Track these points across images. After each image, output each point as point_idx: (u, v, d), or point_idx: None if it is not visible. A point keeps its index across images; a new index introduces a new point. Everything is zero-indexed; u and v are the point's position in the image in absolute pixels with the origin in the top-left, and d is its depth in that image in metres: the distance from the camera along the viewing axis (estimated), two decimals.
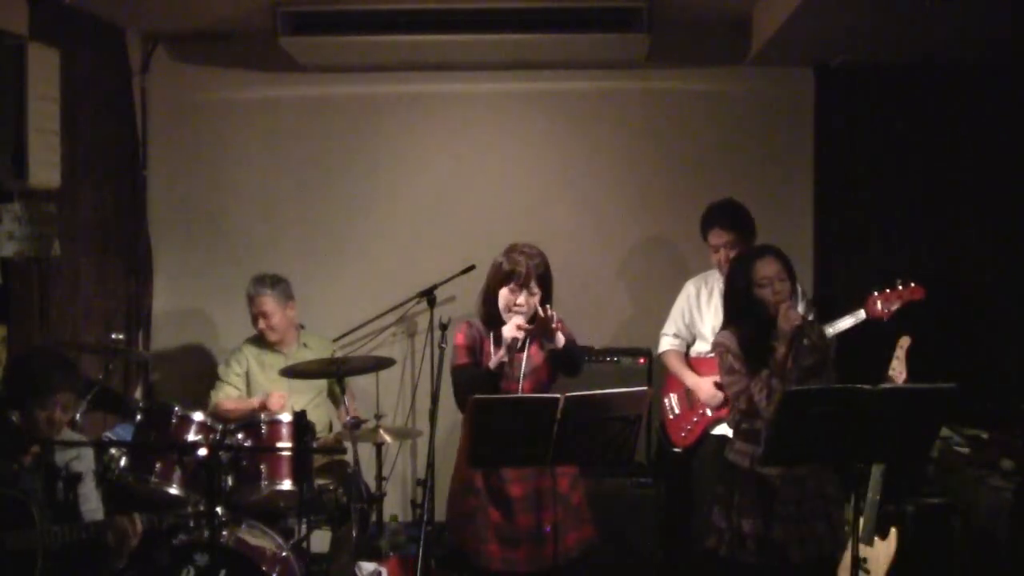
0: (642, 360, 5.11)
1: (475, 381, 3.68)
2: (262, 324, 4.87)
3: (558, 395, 3.29)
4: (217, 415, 4.58)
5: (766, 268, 3.69)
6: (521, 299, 3.72)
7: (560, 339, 3.71)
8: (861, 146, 5.41)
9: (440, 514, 5.20)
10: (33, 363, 3.62)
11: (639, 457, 4.59)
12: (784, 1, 4.44)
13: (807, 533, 3.64)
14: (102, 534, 3.42)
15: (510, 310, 3.74)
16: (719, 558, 3.73)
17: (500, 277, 3.76)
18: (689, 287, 4.79)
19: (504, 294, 3.75)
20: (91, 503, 3.67)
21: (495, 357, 3.71)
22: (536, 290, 3.73)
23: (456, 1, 4.88)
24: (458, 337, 3.84)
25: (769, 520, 3.65)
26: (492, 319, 3.79)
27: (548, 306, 3.68)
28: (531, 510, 3.69)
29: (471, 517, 3.74)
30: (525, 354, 3.76)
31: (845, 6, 4.31)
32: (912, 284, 4.19)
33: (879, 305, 4.20)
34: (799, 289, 4.12)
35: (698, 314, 4.71)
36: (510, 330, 3.67)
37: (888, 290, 4.19)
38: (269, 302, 4.84)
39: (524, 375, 3.75)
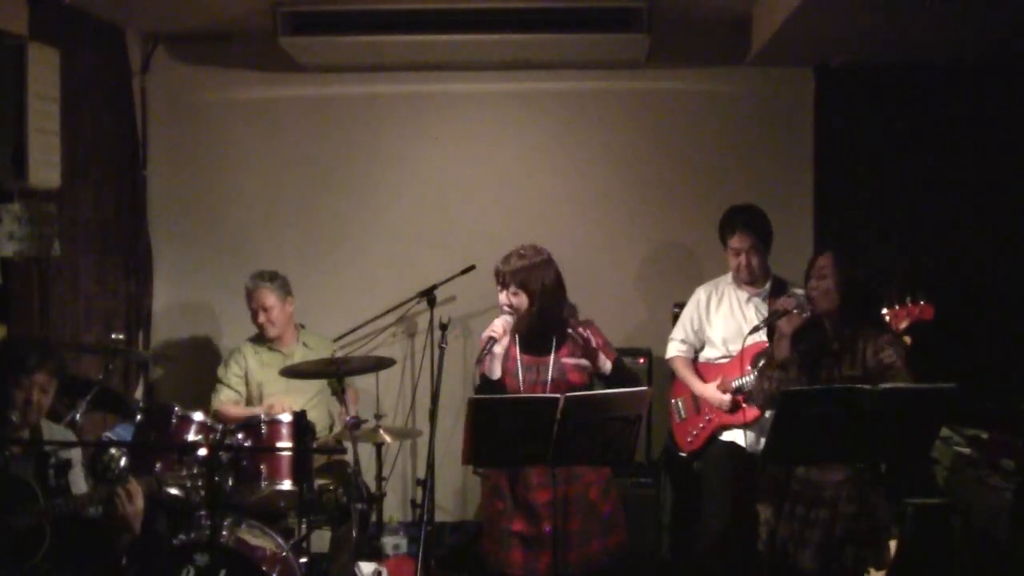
0: (642, 360, 5.10)
1: (483, 388, 3.73)
2: (262, 318, 4.87)
3: (558, 395, 3.30)
4: (218, 420, 4.57)
5: (818, 261, 3.85)
6: (502, 297, 3.75)
7: (603, 363, 3.79)
8: (861, 146, 5.41)
9: (440, 514, 5.23)
10: (9, 346, 3.62)
11: (639, 457, 4.58)
12: (784, 1, 4.44)
13: (807, 538, 3.64)
14: (104, 504, 3.41)
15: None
16: (745, 549, 3.80)
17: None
18: (699, 293, 4.73)
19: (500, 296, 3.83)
20: (80, 489, 3.66)
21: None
22: (516, 291, 3.74)
23: (456, 1, 4.88)
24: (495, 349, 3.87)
25: (779, 515, 3.67)
26: None
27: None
28: (556, 516, 3.65)
29: (496, 521, 3.75)
30: (552, 358, 3.77)
31: (845, 6, 4.30)
32: (922, 303, 4.19)
33: (890, 322, 4.20)
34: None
35: (707, 320, 4.65)
36: (486, 330, 3.73)
37: (898, 307, 4.19)
38: (269, 295, 4.85)
39: (551, 379, 3.75)
